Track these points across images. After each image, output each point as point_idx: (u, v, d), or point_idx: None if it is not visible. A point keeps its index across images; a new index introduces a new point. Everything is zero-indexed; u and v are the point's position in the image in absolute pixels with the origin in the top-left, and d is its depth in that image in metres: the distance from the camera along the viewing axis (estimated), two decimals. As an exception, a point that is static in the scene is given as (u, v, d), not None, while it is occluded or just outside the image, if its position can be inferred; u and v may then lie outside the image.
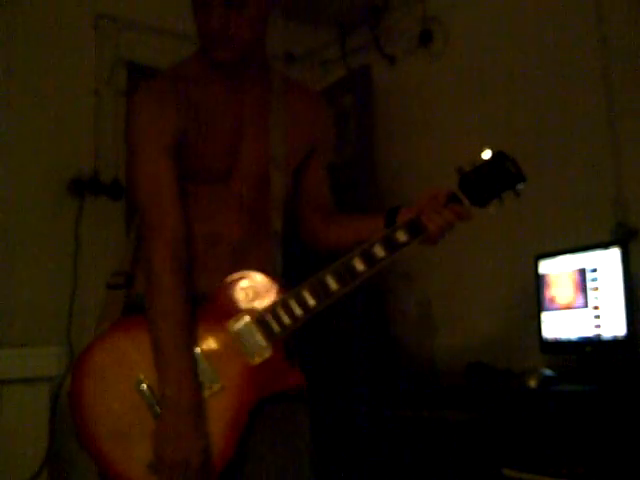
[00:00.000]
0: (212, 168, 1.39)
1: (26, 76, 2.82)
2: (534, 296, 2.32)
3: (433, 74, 2.97)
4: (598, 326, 2.09)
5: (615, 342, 2.03)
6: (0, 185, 2.72)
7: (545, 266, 2.30)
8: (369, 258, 1.31)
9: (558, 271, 2.24)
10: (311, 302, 1.31)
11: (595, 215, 2.31)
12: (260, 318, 1.33)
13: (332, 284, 1.31)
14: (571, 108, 2.42)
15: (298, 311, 1.32)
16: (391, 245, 1.31)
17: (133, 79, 3.00)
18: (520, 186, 1.34)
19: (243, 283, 1.36)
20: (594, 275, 2.11)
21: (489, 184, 1.33)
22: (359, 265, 1.31)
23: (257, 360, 1.32)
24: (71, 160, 2.87)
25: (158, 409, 1.29)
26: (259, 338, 1.32)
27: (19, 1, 2.84)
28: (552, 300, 2.26)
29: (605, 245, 2.11)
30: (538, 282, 2.31)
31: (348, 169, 3.19)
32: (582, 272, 2.15)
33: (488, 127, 2.73)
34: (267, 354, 1.32)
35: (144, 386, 1.31)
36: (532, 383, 2.00)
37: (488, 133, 2.73)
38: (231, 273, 1.37)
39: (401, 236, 1.32)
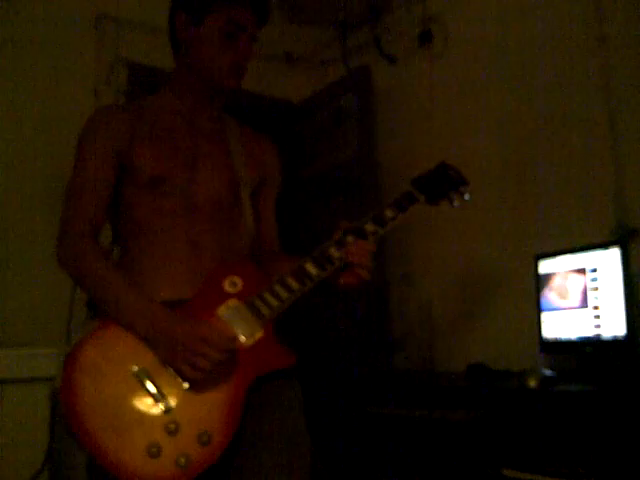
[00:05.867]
0: (170, 177, 1.49)
1: (26, 76, 2.82)
2: (534, 296, 2.32)
3: (433, 74, 2.97)
4: (598, 326, 2.09)
5: (615, 342, 2.03)
6: (0, 185, 2.73)
7: (545, 266, 2.30)
8: (342, 245, 1.48)
9: (558, 271, 2.25)
10: (294, 285, 1.43)
11: (595, 215, 2.31)
12: (249, 302, 1.42)
13: (311, 269, 1.45)
14: (571, 108, 2.42)
15: (283, 294, 1.42)
16: (360, 234, 1.49)
17: (133, 79, 3.01)
18: (464, 189, 1.59)
19: (229, 273, 1.46)
20: (594, 275, 2.11)
21: (437, 186, 1.58)
22: (334, 252, 1.47)
23: (249, 342, 1.40)
24: (71, 160, 2.87)
25: (155, 391, 1.32)
26: (249, 321, 1.41)
27: (19, 1, 2.85)
28: (552, 300, 2.26)
29: (605, 245, 2.11)
30: (538, 282, 2.31)
31: (348, 169, 3.19)
32: (582, 272, 2.15)
33: (487, 127, 2.74)
34: (258, 335, 1.40)
35: (140, 374, 1.33)
36: (532, 383, 2.00)
37: (487, 133, 2.73)
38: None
39: (370, 227, 1.49)
